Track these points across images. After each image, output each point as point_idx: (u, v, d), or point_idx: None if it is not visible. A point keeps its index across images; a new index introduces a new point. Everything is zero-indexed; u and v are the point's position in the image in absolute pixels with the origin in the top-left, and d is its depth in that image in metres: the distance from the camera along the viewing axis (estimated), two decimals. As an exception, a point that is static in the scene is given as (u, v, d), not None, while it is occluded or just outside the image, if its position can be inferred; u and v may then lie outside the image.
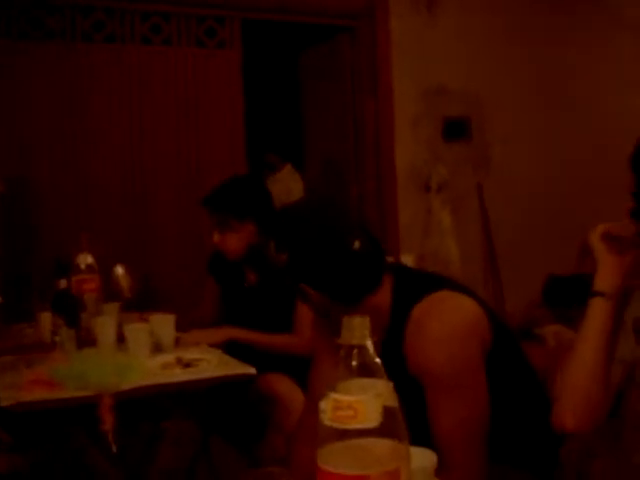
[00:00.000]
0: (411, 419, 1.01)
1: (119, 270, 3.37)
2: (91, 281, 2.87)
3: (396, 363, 1.53)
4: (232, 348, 2.69)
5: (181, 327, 2.79)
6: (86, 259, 2.89)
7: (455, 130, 5.45)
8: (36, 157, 4.46)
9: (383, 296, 1.72)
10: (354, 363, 0.95)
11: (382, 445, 0.93)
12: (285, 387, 2.62)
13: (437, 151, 5.35)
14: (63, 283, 2.62)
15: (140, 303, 3.23)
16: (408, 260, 4.48)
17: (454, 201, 5.28)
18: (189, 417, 2.94)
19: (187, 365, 2.36)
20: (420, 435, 1.24)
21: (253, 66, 5.34)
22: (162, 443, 3.10)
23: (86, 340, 2.64)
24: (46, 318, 2.76)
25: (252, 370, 2.34)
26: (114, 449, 2.22)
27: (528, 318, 4.75)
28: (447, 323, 1.63)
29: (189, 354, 2.46)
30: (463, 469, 1.56)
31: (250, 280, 2.94)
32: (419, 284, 1.75)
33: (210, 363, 2.38)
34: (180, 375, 2.30)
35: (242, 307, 2.94)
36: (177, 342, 2.67)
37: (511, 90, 5.49)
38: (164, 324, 2.61)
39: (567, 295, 4.95)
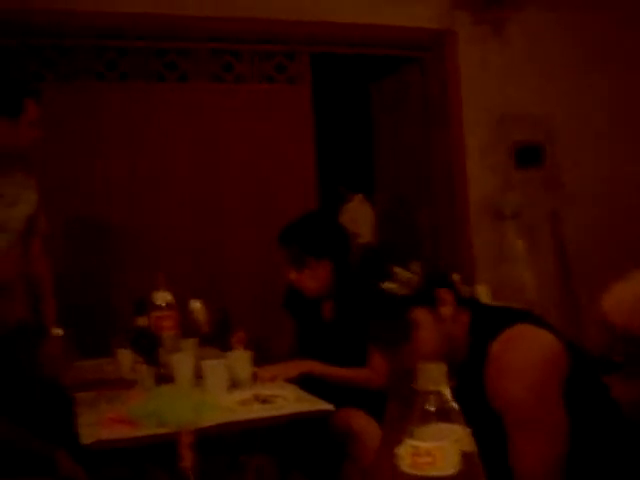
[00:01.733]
0: (491, 458, 1.01)
1: (196, 305, 3.41)
2: (169, 318, 2.92)
3: (477, 401, 1.55)
4: (306, 383, 2.69)
5: (258, 362, 2.80)
6: (164, 297, 2.94)
7: (527, 156, 5.40)
8: (114, 196, 4.57)
9: (457, 331, 1.71)
10: (431, 409, 0.94)
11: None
12: (361, 422, 2.61)
13: (509, 178, 5.29)
14: (142, 321, 2.67)
15: (218, 338, 3.26)
16: (483, 289, 4.41)
17: (528, 228, 5.21)
18: (267, 452, 2.95)
19: (264, 401, 2.37)
20: (497, 474, 1.26)
21: (324, 99, 5.38)
22: (240, 478, 3.11)
23: (164, 377, 2.68)
24: (125, 355, 2.81)
25: (330, 407, 2.34)
26: (195, 485, 2.24)
27: (608, 347, 4.62)
28: (527, 356, 1.63)
29: (266, 390, 2.48)
30: None
31: (326, 316, 2.95)
32: (496, 318, 1.74)
33: (287, 399, 2.38)
34: (258, 411, 2.31)
35: (317, 343, 2.95)
36: (254, 378, 2.69)
37: (583, 114, 5.41)
38: (241, 360, 2.63)
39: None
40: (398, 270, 1.69)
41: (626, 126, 5.43)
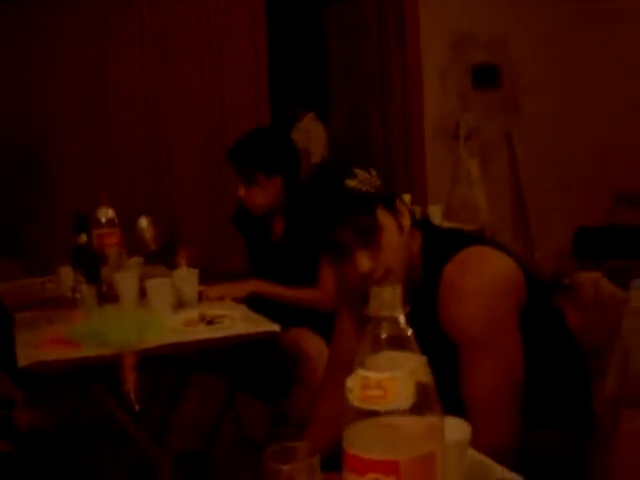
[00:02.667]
0: (442, 383, 0.94)
1: (143, 222, 3.30)
2: (112, 235, 2.81)
3: (430, 327, 1.46)
4: (256, 303, 2.63)
5: (208, 280, 2.72)
6: (106, 213, 2.83)
7: (484, 78, 5.31)
8: (59, 110, 4.41)
9: (410, 247, 1.62)
10: (384, 335, 0.87)
11: (414, 426, 0.86)
12: (311, 342, 2.56)
13: (466, 99, 5.22)
14: (83, 238, 2.55)
15: (165, 256, 3.17)
16: (436, 209, 4.36)
17: (483, 149, 5.16)
18: (214, 372, 2.91)
19: (210, 322, 2.29)
20: (451, 400, 1.19)
21: (279, 19, 5.21)
22: (187, 396, 3.08)
23: (107, 296, 2.58)
24: (66, 273, 2.70)
25: (276, 327, 2.28)
26: (137, 408, 2.19)
27: (557, 269, 4.65)
28: (484, 278, 1.54)
29: (213, 310, 2.39)
30: (495, 431, 1.48)
31: (276, 234, 2.87)
32: (450, 241, 1.66)
33: (234, 320, 2.31)
34: (203, 332, 2.23)
35: (267, 261, 2.87)
36: (200, 297, 2.61)
37: (541, 36, 5.32)
38: (187, 279, 2.54)
39: (598, 247, 4.84)
40: (359, 171, 1.57)
41: (583, 48, 5.35)
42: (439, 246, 1.64)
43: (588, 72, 5.30)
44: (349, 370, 0.89)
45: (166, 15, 4.66)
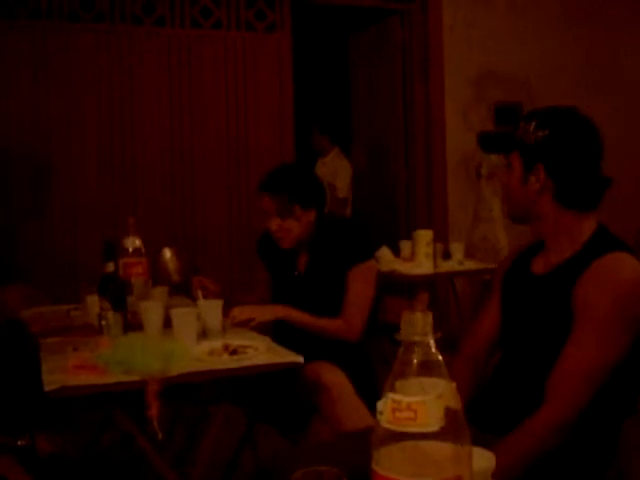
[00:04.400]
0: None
1: (167, 253, 3.34)
2: (138, 264, 2.84)
3: (560, 294, 1.76)
4: (279, 335, 2.65)
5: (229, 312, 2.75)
6: (134, 242, 2.86)
7: (506, 116, 5.35)
8: (83, 141, 4.48)
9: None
10: (415, 360, 0.89)
11: (442, 450, 0.88)
12: (331, 375, 2.57)
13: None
14: (110, 266, 2.59)
15: (187, 287, 3.20)
16: (458, 247, 4.38)
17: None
18: (235, 403, 2.92)
19: (234, 352, 2.31)
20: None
21: (303, 49, 5.28)
22: (207, 427, 3.08)
23: (133, 324, 2.62)
24: (93, 301, 2.74)
25: (300, 359, 2.29)
26: (160, 435, 2.20)
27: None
28: (625, 277, 1.74)
29: (236, 340, 2.42)
30: (563, 403, 1.68)
31: (299, 268, 2.89)
32: (613, 242, 1.83)
33: (257, 350, 2.33)
34: (227, 362, 2.25)
35: (290, 295, 2.89)
36: (225, 327, 2.63)
37: (563, 75, 5.36)
38: (211, 309, 2.57)
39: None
40: None
41: (607, 88, 5.39)
42: (605, 241, 1.83)
43: (611, 111, 5.32)
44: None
45: (193, 49, 4.74)
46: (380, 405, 0.89)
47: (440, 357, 0.90)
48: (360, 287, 2.74)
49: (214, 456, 3.04)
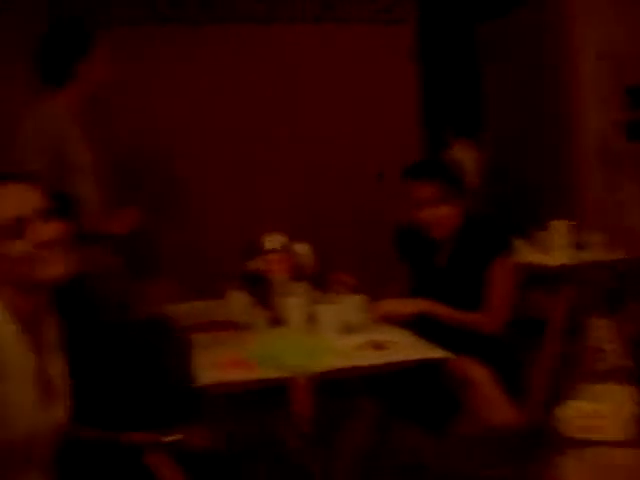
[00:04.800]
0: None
1: (302, 248, 3.39)
2: (281, 261, 2.89)
3: None
4: (422, 329, 2.65)
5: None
6: (276, 239, 2.92)
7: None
8: (223, 139, 4.58)
9: None
10: (601, 367, 0.88)
11: (633, 458, 0.86)
12: (478, 371, 2.55)
13: (622, 123, 5.06)
14: (255, 263, 2.66)
15: (318, 281, 3.24)
16: (598, 237, 4.25)
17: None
18: (378, 397, 2.93)
19: (379, 347, 2.33)
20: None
21: (429, 41, 5.24)
22: (351, 421, 3.11)
23: (275, 320, 2.68)
24: (238, 297, 2.81)
25: (448, 354, 2.29)
26: (307, 429, 2.25)
27: None
28: None
29: (381, 336, 2.44)
30: None
31: (441, 260, 2.88)
32: None
33: (403, 345, 2.35)
34: (374, 357, 2.27)
35: (430, 287, 2.89)
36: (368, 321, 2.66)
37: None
38: (355, 304, 2.60)
39: None
40: None
41: None
42: None
43: None
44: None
45: (319, 42, 4.78)
46: (560, 412, 0.89)
47: (628, 363, 0.88)
48: (501, 281, 2.73)
49: (357, 449, 3.07)
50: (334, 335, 2.45)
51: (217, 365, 2.28)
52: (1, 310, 1.63)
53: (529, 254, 4.05)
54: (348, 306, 2.59)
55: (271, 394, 2.34)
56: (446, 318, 2.70)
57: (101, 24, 4.38)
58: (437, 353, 2.32)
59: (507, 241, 2.81)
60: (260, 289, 2.65)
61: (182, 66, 4.55)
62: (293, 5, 4.75)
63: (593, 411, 0.85)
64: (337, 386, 2.70)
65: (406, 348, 2.35)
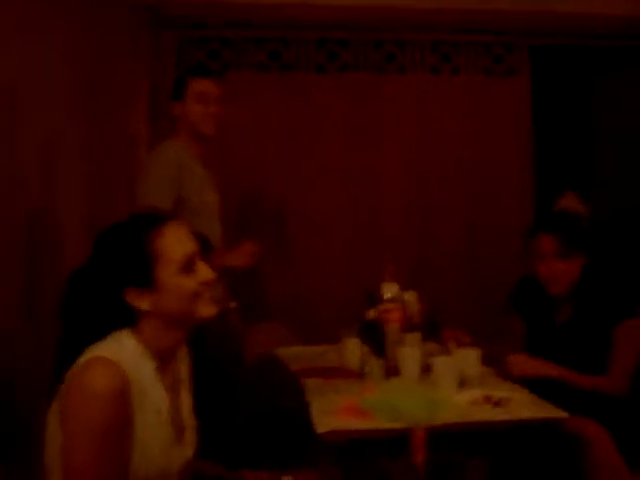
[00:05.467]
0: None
1: (411, 296, 3.40)
2: (395, 310, 2.92)
3: None
4: (536, 386, 2.62)
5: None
6: (391, 289, 2.95)
7: None
8: (326, 184, 4.66)
9: None
10: None
11: None
12: (595, 432, 2.51)
13: None
14: (372, 313, 2.69)
15: (427, 330, 3.24)
16: None
17: None
18: (489, 455, 2.90)
19: (497, 403, 2.32)
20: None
21: (544, 92, 5.22)
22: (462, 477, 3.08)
23: (390, 370, 2.69)
24: (353, 345, 2.85)
25: (564, 414, 2.27)
26: (424, 480, 2.24)
27: None
28: None
29: (497, 392, 2.43)
30: None
31: (561, 318, 2.86)
32: None
33: (521, 403, 2.33)
34: (492, 414, 2.27)
35: (548, 346, 2.86)
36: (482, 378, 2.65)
37: None
38: (470, 359, 2.59)
39: None
40: None
41: None
42: None
43: None
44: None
45: (431, 93, 4.82)
46: None
47: None
48: (626, 345, 2.70)
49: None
50: (451, 388, 2.45)
51: (334, 412, 2.31)
52: (142, 346, 1.69)
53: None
54: (464, 359, 2.59)
55: (386, 444, 2.35)
56: (573, 384, 2.66)
57: (225, 67, 4.61)
58: (555, 412, 2.29)
59: (633, 305, 2.77)
60: (376, 338, 2.67)
61: (297, 112, 4.66)
62: (410, 55, 4.82)
63: None
64: (448, 441, 2.69)
65: (523, 406, 2.33)
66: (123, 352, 1.64)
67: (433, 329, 3.30)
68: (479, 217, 4.80)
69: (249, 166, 4.58)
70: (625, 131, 5.49)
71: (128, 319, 1.69)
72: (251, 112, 4.61)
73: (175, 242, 1.70)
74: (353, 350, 2.83)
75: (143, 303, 1.67)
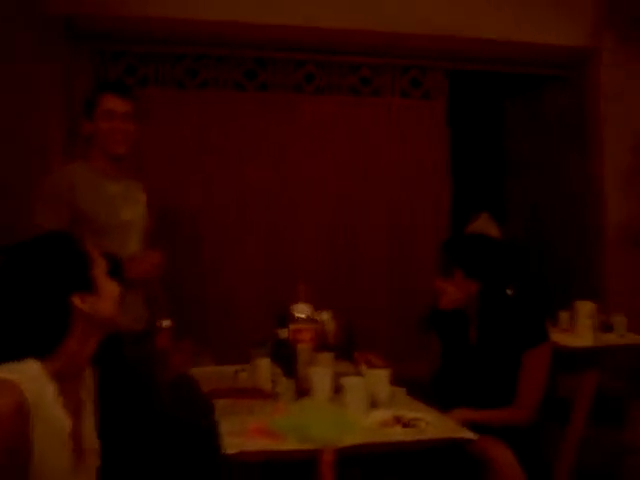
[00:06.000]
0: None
1: (325, 316, 3.41)
2: (307, 331, 2.91)
3: None
4: (445, 405, 2.65)
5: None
6: (304, 309, 2.95)
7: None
8: (247, 203, 4.64)
9: None
10: None
11: None
12: (500, 453, 2.54)
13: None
14: (283, 333, 2.68)
15: (344, 350, 3.25)
16: (620, 319, 4.26)
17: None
18: (398, 475, 2.91)
19: (406, 425, 2.33)
20: None
21: (459, 114, 5.31)
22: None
23: (301, 390, 2.68)
24: (264, 365, 2.83)
25: (472, 435, 2.29)
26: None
27: None
28: None
29: (407, 412, 2.44)
30: None
31: (472, 338, 2.90)
32: None
33: (429, 424, 2.34)
34: (400, 435, 2.27)
35: (462, 364, 2.91)
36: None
37: None
38: (380, 379, 2.60)
39: None
40: None
41: None
42: None
43: None
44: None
45: (350, 115, 4.86)
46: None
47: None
48: (535, 373, 2.75)
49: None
50: (361, 410, 2.45)
51: (243, 433, 2.28)
52: (45, 368, 1.64)
53: (553, 334, 4.05)
54: (375, 380, 2.59)
55: (297, 466, 2.33)
56: (483, 422, 2.67)
57: (143, 83, 4.55)
58: (463, 433, 2.31)
59: (541, 331, 2.82)
60: (286, 358, 2.66)
61: (216, 129, 4.64)
62: (329, 75, 4.85)
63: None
64: (361, 462, 2.70)
65: (432, 426, 2.35)
66: (25, 373, 1.59)
67: (348, 349, 3.30)
68: (398, 236, 4.85)
69: (169, 182, 4.52)
70: (536, 153, 5.64)
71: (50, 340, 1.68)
72: (170, 129, 4.56)
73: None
74: (264, 370, 2.81)
75: (85, 306, 1.71)
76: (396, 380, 2.86)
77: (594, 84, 5.08)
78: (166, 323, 3.11)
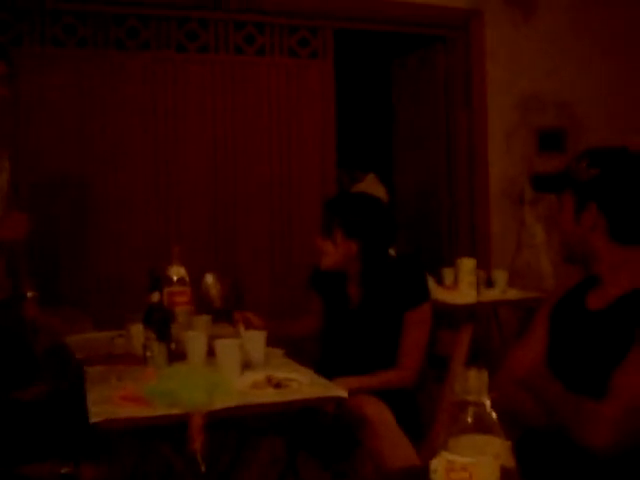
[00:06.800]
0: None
1: (209, 279, 3.34)
2: (183, 294, 2.86)
3: (624, 327, 1.73)
4: (322, 367, 2.65)
5: (274, 343, 2.75)
6: (178, 272, 2.88)
7: (550, 141, 5.31)
8: (128, 170, 4.52)
9: None
10: (469, 419, 0.88)
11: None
12: (374, 409, 2.55)
13: (532, 163, 5.21)
14: (156, 296, 2.61)
15: (230, 313, 3.20)
16: (501, 274, 4.35)
17: (548, 214, 5.13)
18: (277, 433, 2.91)
19: (278, 385, 2.31)
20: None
21: (346, 75, 5.30)
22: (251, 457, 3.08)
23: (176, 354, 2.63)
24: (137, 330, 2.75)
25: (343, 393, 2.28)
26: (203, 468, 2.20)
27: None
28: None
29: (280, 373, 2.42)
30: None
31: (353, 301, 2.88)
32: None
33: (301, 383, 2.32)
34: (271, 396, 2.25)
35: (343, 327, 2.89)
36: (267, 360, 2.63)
37: (609, 99, 5.31)
38: (255, 341, 2.57)
39: None
40: None
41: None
42: None
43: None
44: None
45: (236, 74, 4.78)
46: (434, 464, 0.89)
47: (495, 416, 0.89)
48: (416, 333, 2.74)
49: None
50: (233, 371, 2.41)
51: (112, 400, 2.22)
52: None
53: (436, 291, 4.10)
54: (247, 342, 2.56)
55: (169, 432, 2.30)
56: (370, 388, 2.67)
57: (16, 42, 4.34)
58: (335, 391, 2.31)
59: (422, 291, 2.80)
60: (161, 322, 2.60)
61: (97, 90, 4.48)
62: (214, 34, 4.75)
63: (461, 465, 0.85)
64: (238, 423, 2.68)
65: (305, 386, 2.33)
66: None
67: (236, 310, 3.26)
68: (282, 195, 4.83)
69: (48, 145, 4.35)
70: (417, 113, 5.68)
71: None
72: (48, 89, 4.38)
73: None
74: (137, 335, 2.74)
75: None
76: (278, 340, 2.84)
77: (478, 45, 5.15)
78: (30, 293, 3.00)
